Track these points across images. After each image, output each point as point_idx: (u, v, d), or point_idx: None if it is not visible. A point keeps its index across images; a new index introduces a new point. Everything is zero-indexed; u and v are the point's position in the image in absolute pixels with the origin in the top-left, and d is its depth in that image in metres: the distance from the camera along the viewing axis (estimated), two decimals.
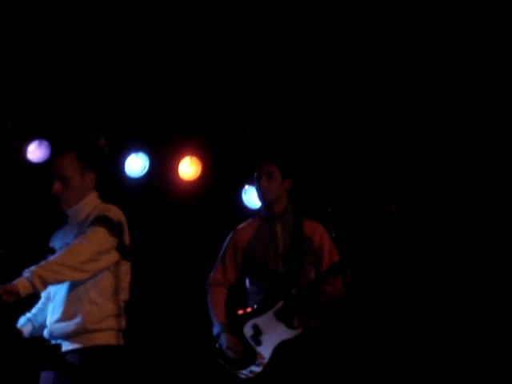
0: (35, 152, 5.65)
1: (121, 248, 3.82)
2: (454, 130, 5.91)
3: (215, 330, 4.52)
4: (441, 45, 5.49)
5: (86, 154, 3.98)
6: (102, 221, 3.77)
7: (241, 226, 4.73)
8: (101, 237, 3.73)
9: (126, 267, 3.90)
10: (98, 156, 5.82)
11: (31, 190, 5.69)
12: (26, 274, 3.56)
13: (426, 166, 5.96)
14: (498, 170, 5.87)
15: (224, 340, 4.44)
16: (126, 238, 3.88)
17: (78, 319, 3.72)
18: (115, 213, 3.86)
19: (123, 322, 3.88)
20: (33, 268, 3.59)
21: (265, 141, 6.15)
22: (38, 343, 3.69)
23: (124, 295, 3.90)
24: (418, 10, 5.25)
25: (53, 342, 3.77)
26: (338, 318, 4.60)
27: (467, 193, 5.93)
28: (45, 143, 5.69)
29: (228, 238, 4.71)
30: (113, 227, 3.77)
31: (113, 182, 5.93)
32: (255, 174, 4.65)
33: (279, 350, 4.37)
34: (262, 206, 4.73)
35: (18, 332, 3.62)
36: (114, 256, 3.81)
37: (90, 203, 3.92)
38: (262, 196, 4.65)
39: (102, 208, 3.90)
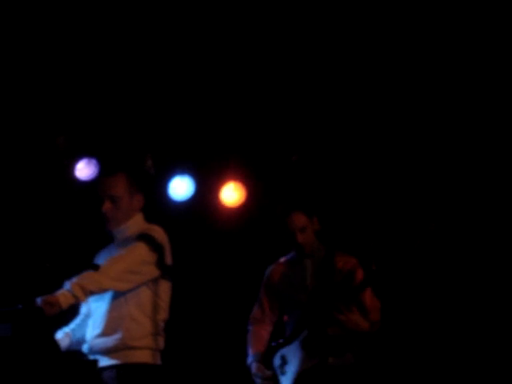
0: (84, 170, 5.76)
1: (161, 266, 3.87)
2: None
3: (248, 361, 4.63)
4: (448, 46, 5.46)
5: (136, 176, 4.06)
6: (143, 237, 3.85)
7: (273, 264, 4.81)
8: (140, 250, 3.82)
9: (165, 286, 3.94)
10: (144, 177, 5.93)
11: (78, 206, 5.79)
12: (67, 286, 3.64)
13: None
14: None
15: (253, 368, 4.55)
16: (168, 258, 3.93)
17: (118, 335, 3.77)
18: (158, 232, 3.94)
19: (161, 342, 3.91)
20: (72, 279, 3.68)
21: (306, 172, 6.18)
22: (76, 358, 3.73)
23: (163, 315, 3.92)
24: (419, 10, 5.23)
25: (91, 357, 3.79)
26: (357, 354, 4.60)
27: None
28: (93, 162, 5.79)
29: (264, 278, 4.79)
30: (154, 244, 3.84)
31: (156, 204, 6.01)
32: (288, 226, 4.58)
33: (298, 382, 4.42)
34: (293, 248, 4.73)
35: (57, 345, 3.65)
36: (154, 271, 3.85)
37: (136, 224, 3.98)
38: (299, 248, 4.64)
39: (146, 227, 3.97)
